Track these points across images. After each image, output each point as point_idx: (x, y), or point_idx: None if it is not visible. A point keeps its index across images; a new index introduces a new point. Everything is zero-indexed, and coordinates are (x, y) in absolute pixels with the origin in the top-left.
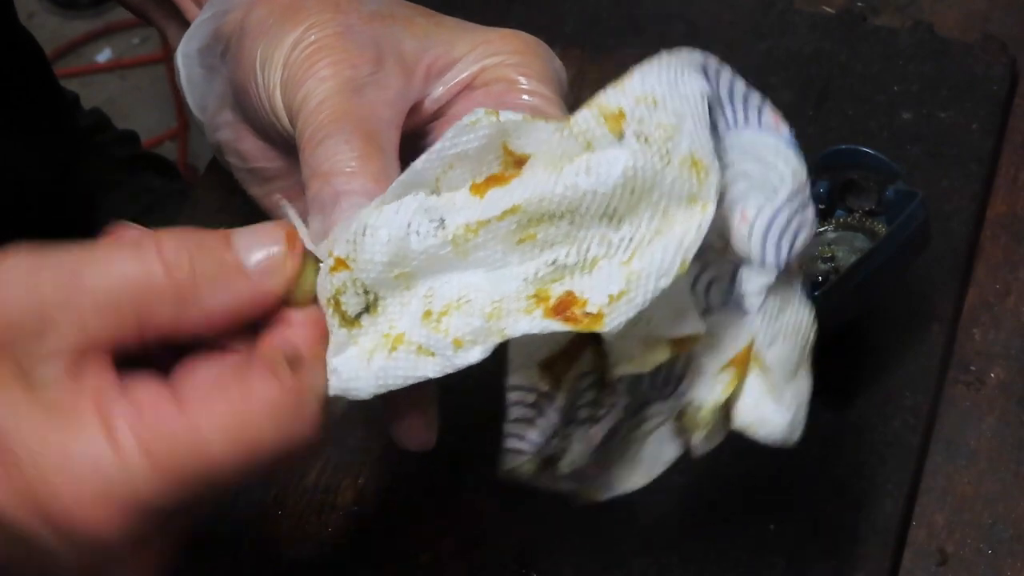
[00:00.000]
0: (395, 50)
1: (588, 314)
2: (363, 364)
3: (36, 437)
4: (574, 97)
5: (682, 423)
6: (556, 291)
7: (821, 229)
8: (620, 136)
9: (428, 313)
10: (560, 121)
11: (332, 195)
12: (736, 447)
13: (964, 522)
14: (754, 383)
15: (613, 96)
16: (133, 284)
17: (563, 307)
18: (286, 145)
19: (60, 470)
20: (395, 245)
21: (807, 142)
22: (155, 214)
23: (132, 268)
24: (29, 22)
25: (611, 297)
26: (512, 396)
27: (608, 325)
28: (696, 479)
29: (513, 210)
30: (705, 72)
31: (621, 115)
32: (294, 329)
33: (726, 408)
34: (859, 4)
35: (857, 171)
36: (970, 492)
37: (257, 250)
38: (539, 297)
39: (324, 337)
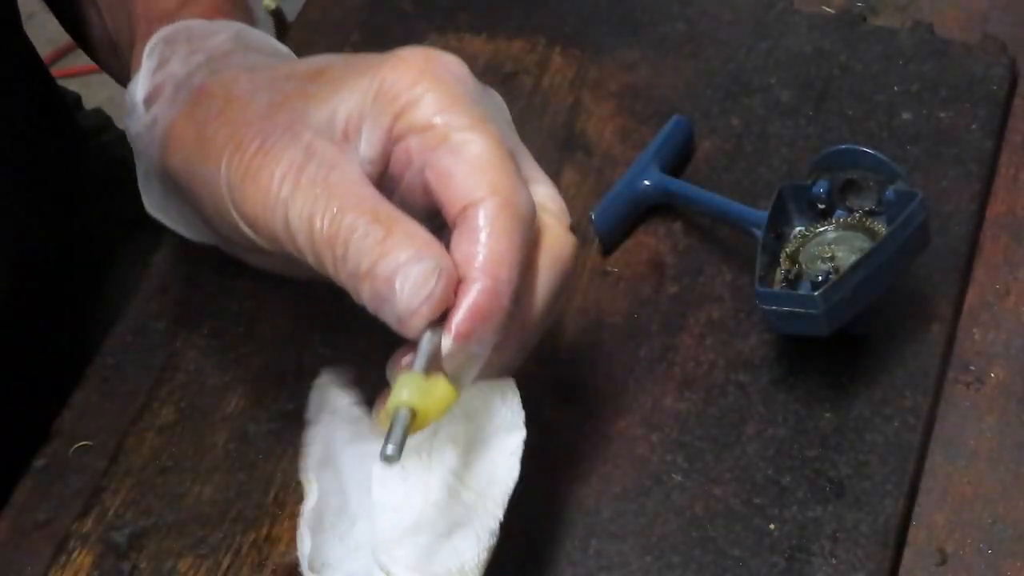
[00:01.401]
0: (314, 129)
1: None
2: None
3: None
4: (573, 97)
5: None
6: None
7: (821, 229)
8: None
9: None
10: None
11: (386, 282)
12: (736, 447)
13: (964, 522)
14: None
15: None
16: None
17: None
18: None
19: None
20: None
21: (807, 142)
22: None
23: None
24: (29, 22)
25: None
26: None
27: None
28: (696, 479)
29: None
30: None
31: None
32: None
33: None
34: (859, 4)
35: (857, 171)
36: (970, 492)
37: None
38: None
39: None
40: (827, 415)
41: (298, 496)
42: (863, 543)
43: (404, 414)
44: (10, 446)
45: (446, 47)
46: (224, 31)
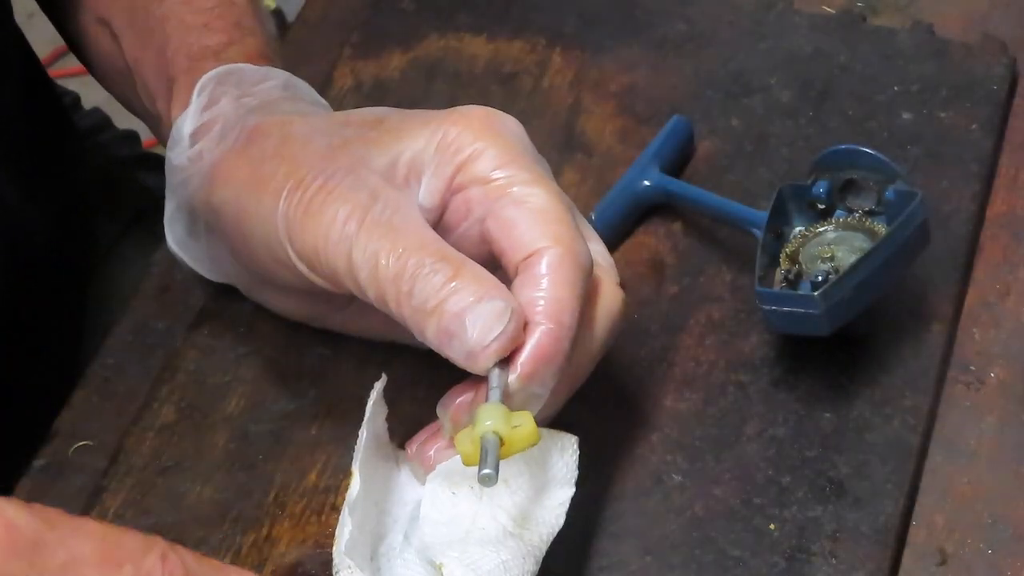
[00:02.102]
0: (376, 173)
1: None
2: None
3: None
4: (573, 97)
5: None
6: None
7: (821, 229)
8: None
9: None
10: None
11: (456, 318)
12: (736, 447)
13: (964, 522)
14: None
15: None
16: None
17: None
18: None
19: None
20: None
21: (807, 142)
22: (156, 214)
23: None
24: (29, 22)
25: None
26: None
27: None
28: (695, 479)
29: None
30: None
31: None
32: None
33: None
34: (859, 4)
35: (857, 171)
36: (970, 492)
37: None
38: None
39: None
40: (827, 415)
41: (298, 496)
42: (863, 543)
43: (493, 440)
44: (10, 446)
45: (446, 47)
46: (274, 78)
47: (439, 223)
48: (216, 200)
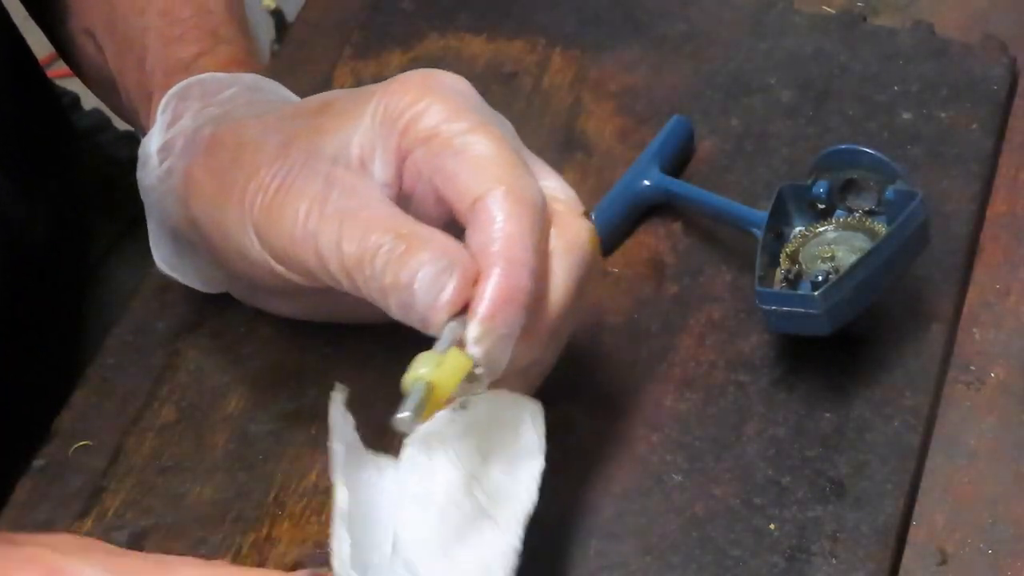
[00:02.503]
0: (329, 159)
1: None
2: None
3: None
4: (573, 97)
5: None
6: None
7: (821, 229)
8: None
9: None
10: None
11: (407, 289)
12: (736, 447)
13: (964, 522)
14: None
15: None
16: None
17: None
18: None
19: None
20: None
21: (807, 142)
22: None
23: None
24: (27, 23)
25: None
26: None
27: None
28: (696, 479)
29: None
30: None
31: None
32: None
33: None
34: (859, 4)
35: (857, 171)
36: (970, 492)
37: None
38: None
39: None
40: (827, 415)
41: (298, 496)
42: (863, 543)
43: (420, 386)
44: (10, 446)
45: (446, 47)
46: (237, 84)
47: (399, 194)
48: (191, 216)
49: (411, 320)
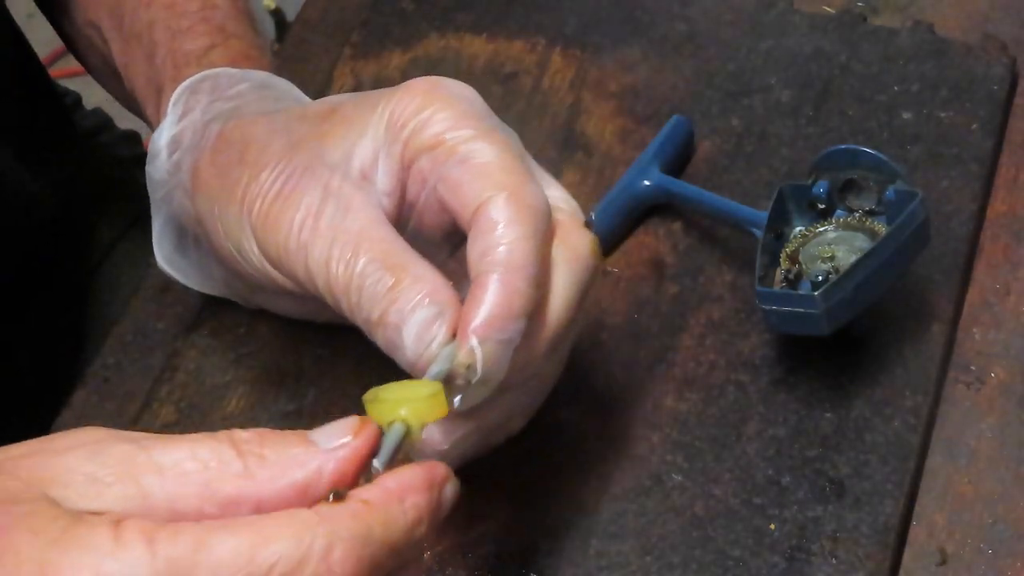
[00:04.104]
0: (331, 167)
1: None
2: None
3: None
4: (573, 97)
5: None
6: None
7: (821, 229)
8: None
9: None
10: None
11: (395, 330)
12: (736, 447)
13: (964, 522)
14: None
15: None
16: (201, 459)
17: None
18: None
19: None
20: None
21: (807, 142)
22: None
23: (202, 446)
24: (29, 22)
25: None
26: None
27: None
28: (696, 479)
29: None
30: None
31: None
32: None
33: None
34: (859, 4)
35: (857, 171)
36: (970, 492)
37: (332, 438)
38: None
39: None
40: (827, 415)
41: None
42: (863, 543)
43: (398, 429)
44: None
45: (446, 47)
46: (248, 80)
47: (402, 203)
48: (197, 211)
49: (397, 359)
